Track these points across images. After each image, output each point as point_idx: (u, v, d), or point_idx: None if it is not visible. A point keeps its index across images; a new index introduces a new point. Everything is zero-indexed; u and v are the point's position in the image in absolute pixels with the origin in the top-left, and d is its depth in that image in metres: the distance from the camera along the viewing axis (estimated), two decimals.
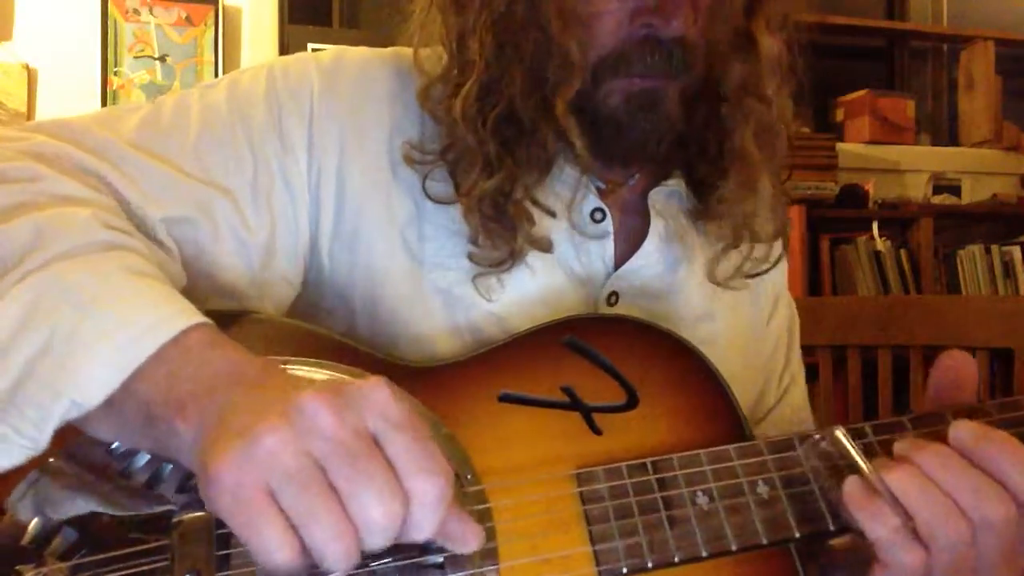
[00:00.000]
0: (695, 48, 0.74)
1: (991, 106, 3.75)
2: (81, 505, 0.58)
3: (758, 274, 0.86)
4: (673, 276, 0.84)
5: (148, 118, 0.74)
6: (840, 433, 0.62)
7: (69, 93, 2.71)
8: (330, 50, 0.82)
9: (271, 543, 0.45)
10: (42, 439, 0.55)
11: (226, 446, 0.46)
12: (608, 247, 0.81)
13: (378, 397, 0.49)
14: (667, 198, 0.85)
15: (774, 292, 0.95)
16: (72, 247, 0.58)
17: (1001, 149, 3.81)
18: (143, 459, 0.59)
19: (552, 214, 0.78)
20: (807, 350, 1.06)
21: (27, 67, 2.68)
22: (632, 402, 0.66)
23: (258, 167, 0.74)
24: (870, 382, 1.48)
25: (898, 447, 0.62)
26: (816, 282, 3.30)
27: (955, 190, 3.73)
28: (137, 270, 0.59)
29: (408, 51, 0.79)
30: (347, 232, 0.77)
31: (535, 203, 0.76)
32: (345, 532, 0.45)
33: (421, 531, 0.47)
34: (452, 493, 0.48)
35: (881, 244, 3.41)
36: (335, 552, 0.45)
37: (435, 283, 0.77)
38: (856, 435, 0.64)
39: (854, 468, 0.60)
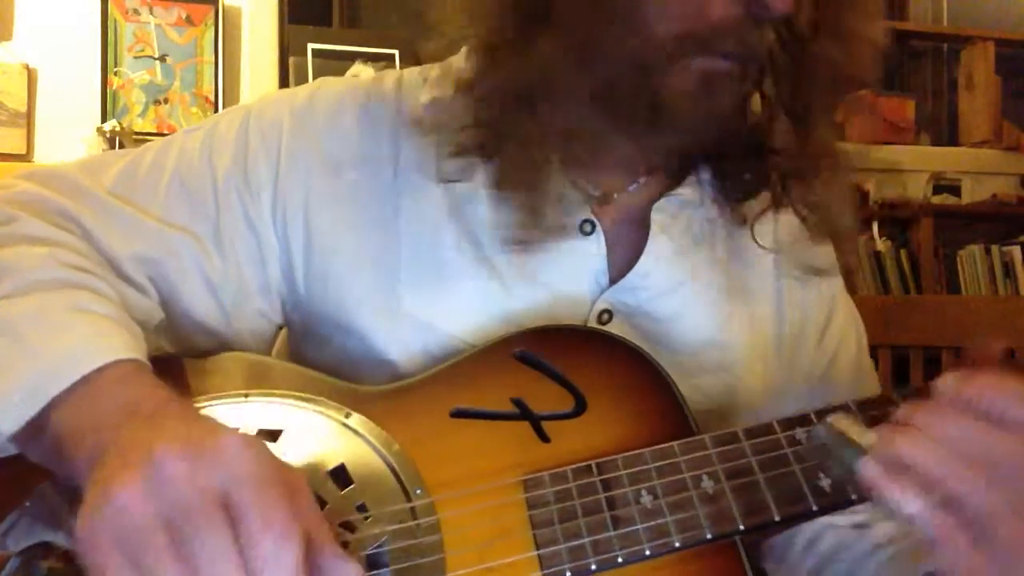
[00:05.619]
0: (795, 27, 0.69)
1: (991, 106, 3.75)
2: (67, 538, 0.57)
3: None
4: (676, 297, 0.78)
5: (128, 166, 0.77)
6: (832, 419, 0.57)
7: (69, 93, 2.73)
8: (308, 86, 0.83)
9: None
10: None
11: (87, 506, 0.48)
12: (598, 263, 0.77)
13: (233, 452, 0.49)
14: (679, 208, 0.80)
15: (823, 310, 0.87)
16: (24, 284, 0.62)
17: (1001, 149, 3.81)
18: None
19: (594, 197, 0.77)
20: None
21: (27, 67, 2.69)
22: (580, 408, 0.67)
23: (220, 211, 0.75)
24: None
25: (898, 415, 0.55)
26: None
27: (955, 190, 3.73)
28: (81, 307, 0.62)
29: (391, 74, 0.81)
30: (318, 269, 0.77)
31: (574, 185, 0.75)
32: None
33: None
34: (301, 552, 0.46)
35: (881, 244, 3.42)
36: None
37: (413, 320, 0.75)
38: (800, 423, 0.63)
39: (858, 449, 0.54)
